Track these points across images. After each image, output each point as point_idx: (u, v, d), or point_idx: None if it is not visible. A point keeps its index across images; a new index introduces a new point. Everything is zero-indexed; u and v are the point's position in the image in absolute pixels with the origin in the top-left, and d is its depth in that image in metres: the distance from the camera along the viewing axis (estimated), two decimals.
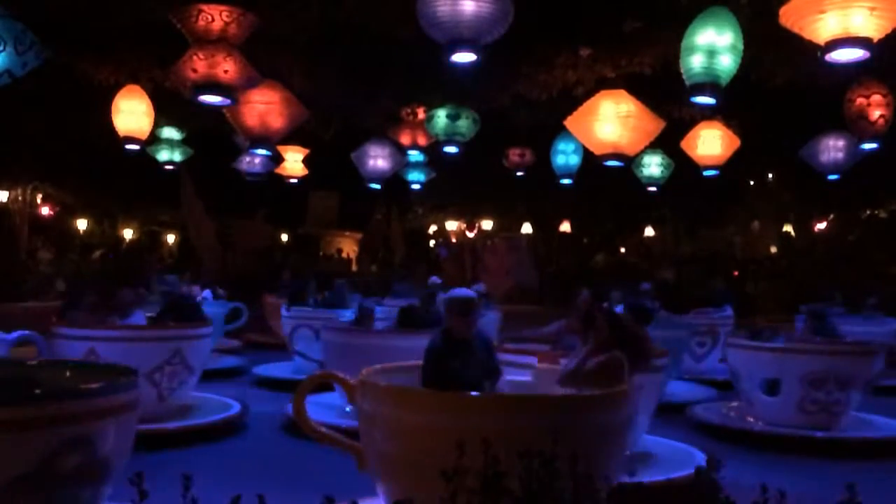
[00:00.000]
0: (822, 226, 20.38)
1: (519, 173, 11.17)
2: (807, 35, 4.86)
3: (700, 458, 3.18)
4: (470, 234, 24.00)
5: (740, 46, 5.59)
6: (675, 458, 3.37)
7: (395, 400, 2.32)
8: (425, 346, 2.80)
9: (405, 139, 9.80)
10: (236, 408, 4.47)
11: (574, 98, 7.68)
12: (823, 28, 4.73)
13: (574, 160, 9.60)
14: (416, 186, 11.82)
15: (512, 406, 2.24)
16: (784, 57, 6.70)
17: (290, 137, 8.95)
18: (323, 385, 3.26)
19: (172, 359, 4.81)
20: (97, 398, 2.70)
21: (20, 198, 18.02)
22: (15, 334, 3.61)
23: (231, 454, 3.88)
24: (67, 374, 3.25)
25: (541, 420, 2.15)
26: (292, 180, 11.23)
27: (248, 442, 4.13)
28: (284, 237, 24.12)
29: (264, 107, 7.39)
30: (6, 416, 2.37)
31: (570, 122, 7.57)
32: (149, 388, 4.67)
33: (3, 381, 3.08)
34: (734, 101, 7.06)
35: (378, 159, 10.09)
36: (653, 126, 7.34)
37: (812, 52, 5.05)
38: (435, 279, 9.30)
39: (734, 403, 4.89)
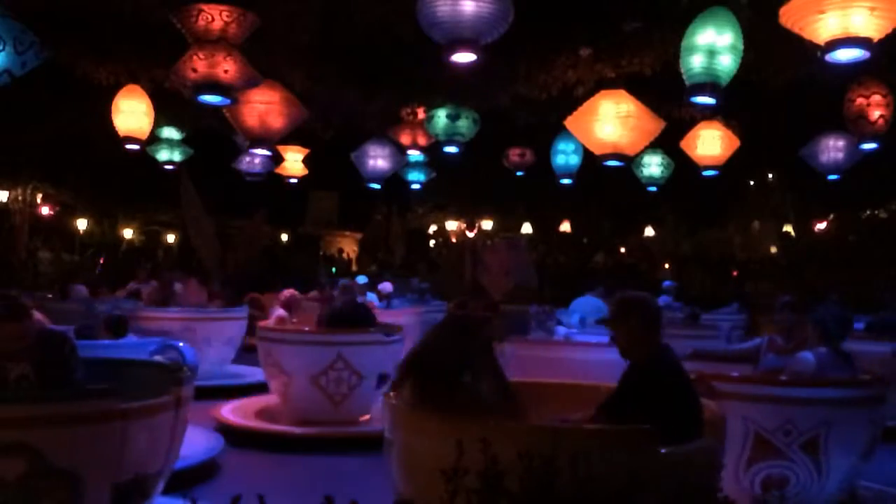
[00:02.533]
0: (822, 226, 20.37)
1: (519, 173, 11.17)
2: (807, 35, 4.86)
3: None
4: (470, 234, 23.98)
5: (740, 46, 5.59)
6: None
7: None
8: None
9: (405, 139, 9.79)
10: None
11: (574, 98, 7.67)
12: (823, 28, 4.73)
13: (574, 160, 9.59)
14: (416, 186, 11.82)
15: None
16: (784, 57, 6.70)
17: (290, 137, 8.94)
18: None
19: (335, 363, 5.37)
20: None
21: (20, 198, 18.01)
22: (155, 341, 3.65)
23: None
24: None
25: None
26: (292, 180, 11.23)
27: None
28: (284, 237, 24.11)
29: (264, 107, 7.39)
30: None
31: (570, 122, 7.57)
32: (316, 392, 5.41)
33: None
34: (734, 101, 7.06)
35: (378, 159, 10.09)
36: (653, 126, 7.33)
37: (812, 52, 5.05)
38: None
39: None
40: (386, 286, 11.11)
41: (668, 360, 2.85)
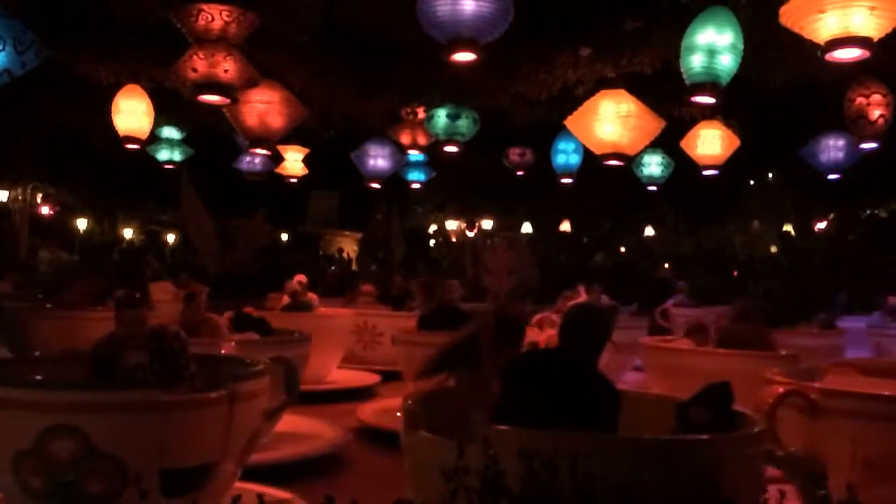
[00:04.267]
0: (822, 226, 20.38)
1: (519, 173, 11.17)
2: (807, 35, 4.86)
3: None
4: (470, 234, 23.99)
5: (740, 46, 5.59)
6: None
7: None
8: None
9: (405, 139, 9.79)
10: None
11: (574, 98, 7.68)
12: (823, 28, 4.73)
13: (574, 160, 9.59)
14: (416, 186, 11.82)
15: None
16: (784, 57, 6.70)
17: (290, 137, 8.94)
18: None
19: None
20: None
21: (20, 198, 18.00)
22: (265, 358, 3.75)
23: None
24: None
25: None
26: (292, 180, 11.22)
27: None
28: (284, 237, 24.11)
29: (264, 107, 7.39)
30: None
31: (570, 122, 7.57)
32: None
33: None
34: (734, 101, 7.06)
35: (378, 159, 10.09)
36: (653, 126, 7.33)
37: (812, 52, 5.04)
38: None
39: None
40: None
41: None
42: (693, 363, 5.01)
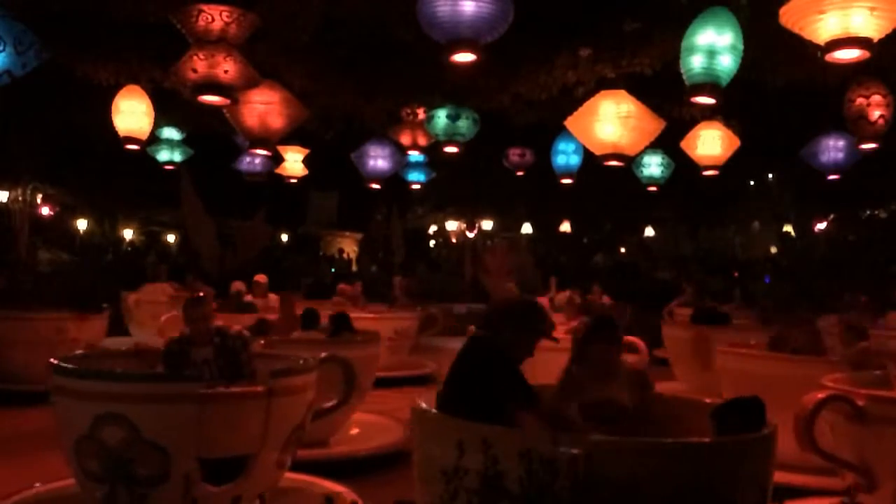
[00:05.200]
0: (822, 226, 20.38)
1: (519, 173, 11.17)
2: (807, 35, 4.86)
3: None
4: (470, 234, 23.99)
5: (740, 46, 5.58)
6: None
7: None
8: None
9: (405, 139, 9.79)
10: None
11: (574, 98, 7.67)
12: (823, 28, 4.72)
13: (574, 160, 9.59)
14: (416, 186, 11.82)
15: None
16: (784, 57, 6.70)
17: (290, 137, 8.93)
18: None
19: None
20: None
21: (20, 198, 17.98)
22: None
23: None
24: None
25: None
26: (292, 180, 11.22)
27: None
28: (284, 237, 24.11)
29: (264, 107, 7.38)
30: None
31: (570, 122, 7.57)
32: None
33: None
34: (734, 101, 7.06)
35: (378, 159, 10.09)
36: (653, 126, 7.33)
37: (812, 53, 5.05)
38: None
39: None
40: None
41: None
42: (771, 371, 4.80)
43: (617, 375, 3.00)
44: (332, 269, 18.72)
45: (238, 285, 9.19)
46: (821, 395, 3.15)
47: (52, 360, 3.34)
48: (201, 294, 4.05)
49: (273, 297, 8.88)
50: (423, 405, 2.65)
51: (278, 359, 3.88)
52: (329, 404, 3.96)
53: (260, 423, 3.23)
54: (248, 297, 8.96)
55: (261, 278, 9.53)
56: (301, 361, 3.66)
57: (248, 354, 3.74)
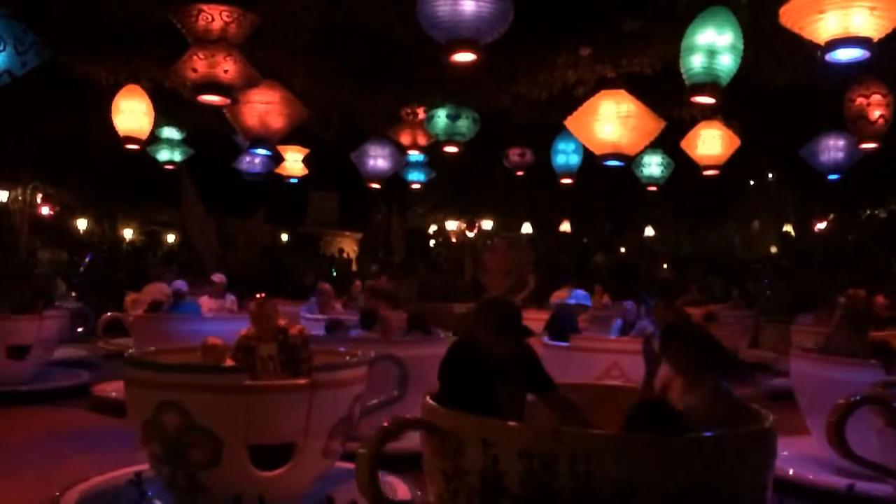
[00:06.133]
0: (822, 226, 20.37)
1: (519, 173, 11.17)
2: (807, 35, 4.86)
3: None
4: (470, 234, 23.97)
5: (740, 46, 5.58)
6: None
7: None
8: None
9: (405, 139, 9.79)
10: None
11: (574, 98, 7.67)
12: (823, 28, 4.72)
13: (574, 160, 9.59)
14: (416, 186, 11.82)
15: None
16: (784, 57, 6.69)
17: (290, 137, 8.94)
18: None
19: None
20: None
21: (20, 198, 17.98)
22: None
23: None
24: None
25: None
26: (292, 180, 11.22)
27: None
28: (284, 237, 24.09)
29: (264, 107, 7.38)
30: None
31: (570, 122, 7.57)
32: None
33: None
34: (734, 101, 7.05)
35: (378, 159, 10.09)
36: (653, 126, 7.33)
37: (812, 52, 5.04)
38: None
39: None
40: None
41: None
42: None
43: (699, 385, 2.98)
44: (333, 271, 18.68)
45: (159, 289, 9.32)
46: (853, 398, 3.12)
47: (126, 352, 3.75)
48: (263, 295, 4.33)
49: (232, 299, 9.06)
50: (430, 401, 2.69)
51: (337, 355, 4.13)
52: (375, 401, 4.18)
53: (303, 413, 3.45)
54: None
55: (218, 278, 9.39)
56: (347, 357, 3.91)
57: (308, 351, 4.00)
